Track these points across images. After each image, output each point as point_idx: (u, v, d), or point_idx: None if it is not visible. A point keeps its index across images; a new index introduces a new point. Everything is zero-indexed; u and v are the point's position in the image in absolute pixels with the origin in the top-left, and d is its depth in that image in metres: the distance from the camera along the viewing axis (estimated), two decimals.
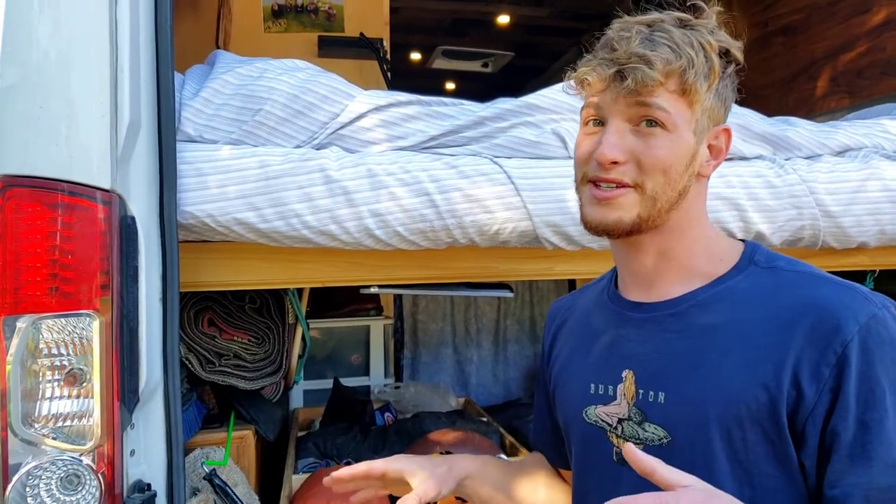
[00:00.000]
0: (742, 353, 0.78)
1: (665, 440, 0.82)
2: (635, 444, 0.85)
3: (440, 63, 5.20)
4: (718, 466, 0.78)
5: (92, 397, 1.07)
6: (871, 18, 2.32)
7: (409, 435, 2.08)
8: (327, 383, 2.77)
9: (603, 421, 0.90)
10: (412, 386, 2.72)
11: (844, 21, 2.39)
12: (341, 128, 1.36)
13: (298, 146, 1.35)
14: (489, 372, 3.47)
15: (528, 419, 2.55)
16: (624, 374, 0.88)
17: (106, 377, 1.08)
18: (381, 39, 3.37)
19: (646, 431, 0.84)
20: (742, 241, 0.91)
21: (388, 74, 3.33)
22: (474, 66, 5.33)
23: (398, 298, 3.32)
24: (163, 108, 1.19)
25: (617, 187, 0.83)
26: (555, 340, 1.07)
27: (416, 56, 5.25)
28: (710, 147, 0.87)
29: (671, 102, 0.81)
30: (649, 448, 0.83)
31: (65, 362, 1.06)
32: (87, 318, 1.06)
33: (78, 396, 1.07)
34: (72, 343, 1.07)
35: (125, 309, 1.13)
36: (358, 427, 2.16)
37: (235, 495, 1.32)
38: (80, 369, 1.07)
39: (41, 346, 1.06)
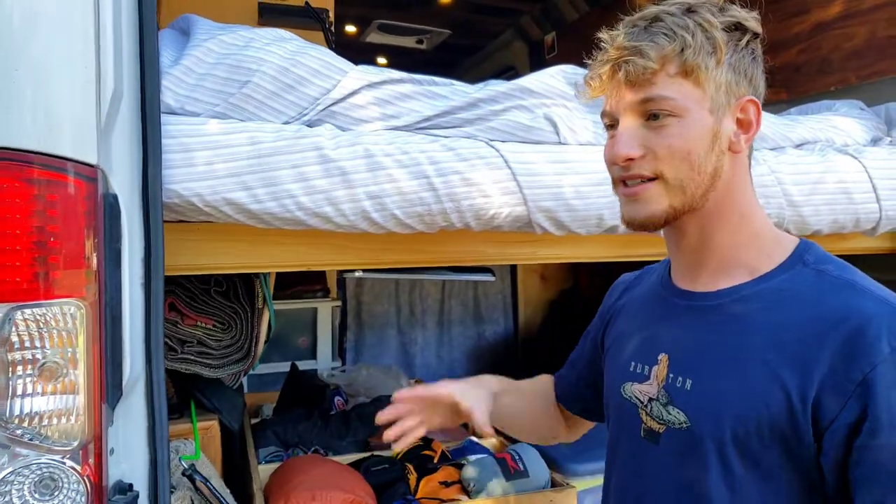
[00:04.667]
0: (772, 356, 0.79)
1: (685, 424, 0.85)
2: (659, 424, 0.88)
3: (375, 37, 5.08)
4: (732, 458, 0.80)
5: (75, 393, 0.98)
6: (809, 18, 2.45)
7: (372, 419, 2.04)
8: (273, 367, 2.69)
9: (636, 398, 0.93)
10: (364, 369, 2.67)
11: (786, 19, 2.51)
12: (333, 104, 1.29)
13: (287, 122, 1.27)
14: (433, 353, 3.47)
15: None
16: (660, 357, 0.90)
17: (91, 370, 0.98)
18: (327, 10, 3.25)
19: (669, 414, 0.87)
20: (799, 237, 0.91)
21: (333, 46, 3.21)
22: (409, 41, 5.25)
23: (342, 280, 3.25)
24: (147, 76, 1.08)
25: (641, 182, 0.84)
26: (615, 311, 1.08)
27: (350, 29, 5.09)
28: (738, 121, 0.86)
29: (675, 87, 0.82)
30: (671, 430, 0.86)
31: (45, 355, 0.96)
32: (70, 307, 0.96)
33: (60, 393, 0.97)
34: (51, 334, 0.96)
35: (108, 296, 1.03)
36: (317, 413, 2.10)
37: (219, 492, 1.25)
38: (61, 362, 0.97)
39: (15, 337, 0.95)
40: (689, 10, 0.84)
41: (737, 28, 0.85)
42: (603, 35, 0.86)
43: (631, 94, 0.83)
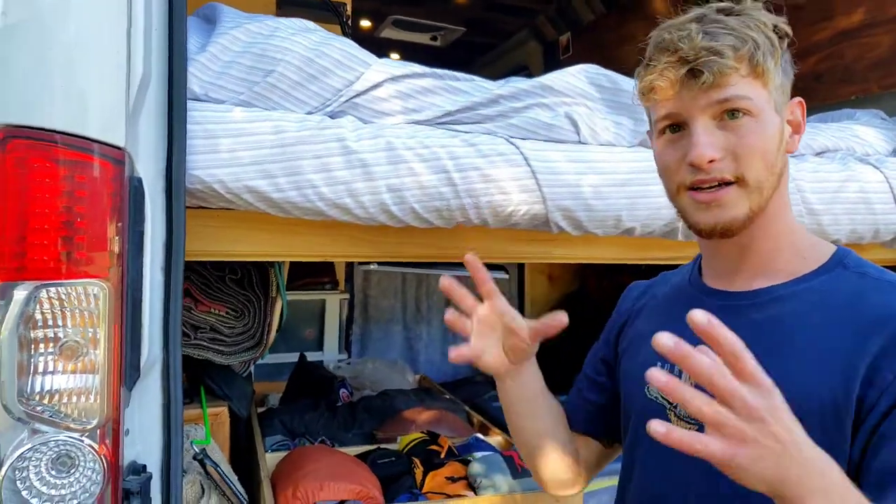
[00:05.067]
0: (812, 354, 0.78)
1: None
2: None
3: (389, 33, 5.08)
4: None
5: (94, 372, 0.98)
6: (831, 25, 2.43)
7: (379, 412, 2.05)
8: (279, 357, 2.70)
9: (663, 398, 0.90)
10: (370, 362, 2.68)
11: (807, 27, 2.49)
12: (356, 96, 1.30)
13: (310, 112, 1.28)
14: (438, 350, 3.47)
15: (486, 397, 2.57)
16: None
17: (111, 351, 0.99)
18: (344, 4, 3.25)
19: None
20: (834, 244, 0.90)
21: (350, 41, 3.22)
22: (423, 38, 5.25)
23: (350, 273, 3.25)
24: (175, 62, 1.09)
25: (719, 186, 0.82)
26: (632, 313, 1.06)
27: (365, 23, 5.10)
28: (788, 122, 0.87)
29: (749, 88, 0.81)
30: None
31: (66, 334, 0.97)
32: (94, 287, 0.97)
33: (80, 372, 0.97)
34: (73, 313, 0.97)
35: (129, 278, 1.04)
36: (324, 404, 2.11)
37: (229, 478, 1.26)
38: (82, 342, 0.98)
39: (38, 315, 0.95)
40: (733, 14, 0.83)
41: (775, 30, 0.84)
42: (667, 35, 0.83)
43: (707, 94, 0.81)
